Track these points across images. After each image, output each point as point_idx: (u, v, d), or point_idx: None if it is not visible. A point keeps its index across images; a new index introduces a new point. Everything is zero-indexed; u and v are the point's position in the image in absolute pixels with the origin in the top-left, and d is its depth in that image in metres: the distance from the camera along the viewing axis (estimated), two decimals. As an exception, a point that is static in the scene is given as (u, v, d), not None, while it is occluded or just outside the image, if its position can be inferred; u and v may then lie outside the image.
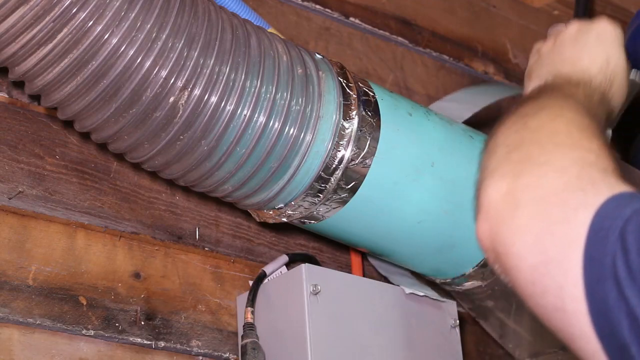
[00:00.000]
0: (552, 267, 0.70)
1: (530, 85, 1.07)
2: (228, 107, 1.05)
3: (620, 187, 0.71)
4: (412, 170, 1.18)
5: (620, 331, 0.66)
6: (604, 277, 0.67)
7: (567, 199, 0.71)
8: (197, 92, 1.03)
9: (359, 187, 1.14)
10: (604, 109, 0.97)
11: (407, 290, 1.27)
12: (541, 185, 0.74)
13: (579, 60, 1.03)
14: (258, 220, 1.21)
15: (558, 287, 0.70)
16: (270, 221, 1.18)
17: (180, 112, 1.03)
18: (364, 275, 1.34)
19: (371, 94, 1.17)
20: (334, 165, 1.12)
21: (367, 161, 1.14)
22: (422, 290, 1.29)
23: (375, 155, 1.14)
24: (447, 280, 1.32)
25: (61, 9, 0.97)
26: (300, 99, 1.11)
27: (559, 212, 0.71)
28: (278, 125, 1.08)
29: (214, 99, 1.04)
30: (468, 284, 1.32)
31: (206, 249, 1.27)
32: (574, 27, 1.09)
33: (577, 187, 0.72)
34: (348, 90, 1.14)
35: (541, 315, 0.73)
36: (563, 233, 0.70)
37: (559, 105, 0.86)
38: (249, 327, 1.20)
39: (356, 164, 1.13)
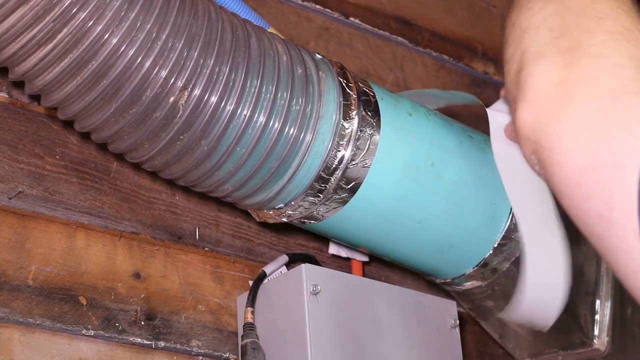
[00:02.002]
0: (604, 173, 0.66)
1: None
2: (228, 107, 1.05)
3: None
4: (412, 170, 1.18)
5: None
6: None
7: (628, 105, 0.66)
8: (197, 92, 1.03)
9: (359, 187, 1.14)
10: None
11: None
12: (598, 82, 0.69)
13: None
14: (258, 220, 1.21)
15: (607, 194, 0.66)
16: (270, 221, 1.18)
17: (180, 112, 1.03)
18: (364, 275, 1.34)
19: (371, 94, 1.17)
20: (334, 165, 1.12)
21: (367, 161, 1.14)
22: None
23: (375, 155, 1.14)
24: (447, 280, 1.32)
25: (61, 9, 0.97)
26: (300, 99, 1.11)
27: (619, 117, 0.66)
28: (278, 125, 1.08)
29: (214, 99, 1.04)
30: (468, 284, 1.32)
31: (206, 249, 1.27)
32: None
33: (637, 92, 0.67)
34: (348, 90, 1.14)
35: (579, 218, 0.69)
36: (622, 140, 0.66)
37: None
38: (249, 327, 1.20)
39: (356, 164, 1.13)
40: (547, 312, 1.16)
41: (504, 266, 1.29)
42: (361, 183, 1.14)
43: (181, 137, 1.05)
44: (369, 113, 1.15)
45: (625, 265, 0.65)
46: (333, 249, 1.34)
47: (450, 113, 1.33)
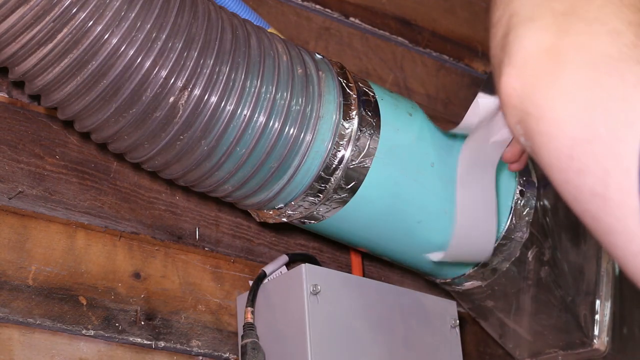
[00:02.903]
0: (598, 145, 0.61)
1: None
2: (228, 107, 1.05)
3: None
4: (412, 170, 1.18)
5: None
6: None
7: (624, 72, 0.61)
8: (197, 92, 1.03)
9: (359, 187, 1.14)
10: None
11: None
12: (592, 47, 0.64)
13: None
14: (258, 220, 1.21)
15: (603, 170, 0.61)
16: (270, 221, 1.18)
17: (180, 112, 1.03)
18: (364, 275, 1.34)
19: (371, 94, 1.17)
20: (334, 165, 1.12)
21: (367, 161, 1.14)
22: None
23: (375, 155, 1.14)
24: (447, 280, 1.32)
25: (61, 9, 0.97)
26: (300, 99, 1.11)
27: (615, 85, 0.61)
28: (278, 125, 1.08)
29: (214, 99, 1.04)
30: (468, 284, 1.32)
31: (206, 249, 1.27)
32: None
33: (633, 59, 0.62)
34: (348, 90, 1.14)
35: (571, 194, 0.63)
36: (619, 111, 0.60)
37: None
38: (249, 327, 1.20)
39: (356, 164, 1.13)
40: (481, 244, 1.19)
41: (504, 266, 1.29)
42: (361, 183, 1.14)
43: (181, 137, 1.05)
44: (369, 113, 1.15)
45: (624, 247, 0.60)
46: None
47: (451, 114, 1.33)
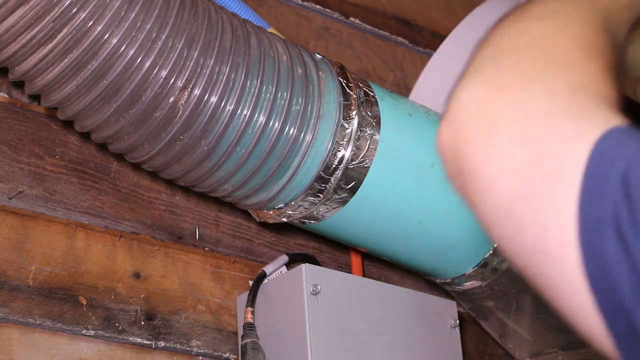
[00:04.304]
0: (535, 203, 0.60)
1: None
2: (228, 107, 1.05)
3: (615, 120, 0.61)
4: (412, 171, 1.18)
5: (620, 291, 0.57)
6: (603, 226, 0.57)
7: (557, 127, 0.62)
8: (197, 92, 1.03)
9: (359, 187, 1.14)
10: (632, 10, 0.79)
11: None
12: (527, 104, 0.63)
13: None
14: (258, 220, 1.21)
15: (542, 227, 0.60)
16: (270, 221, 1.18)
17: (180, 112, 1.03)
18: (364, 275, 1.34)
19: (371, 94, 1.17)
20: (334, 165, 1.12)
21: (367, 161, 1.14)
22: None
23: (375, 155, 1.14)
24: (447, 280, 1.32)
25: (61, 9, 0.97)
26: (300, 99, 1.11)
27: (549, 141, 0.61)
28: (278, 125, 1.08)
29: (214, 99, 1.04)
30: (468, 284, 1.32)
31: (206, 249, 1.27)
32: None
33: (568, 114, 0.62)
34: (348, 90, 1.14)
35: (511, 250, 0.63)
36: (554, 167, 0.60)
37: (570, 13, 0.72)
38: (249, 327, 1.20)
39: (356, 164, 1.13)
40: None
41: (504, 266, 1.29)
42: (361, 183, 1.14)
43: (181, 137, 1.05)
44: (369, 113, 1.15)
45: (567, 300, 0.60)
46: None
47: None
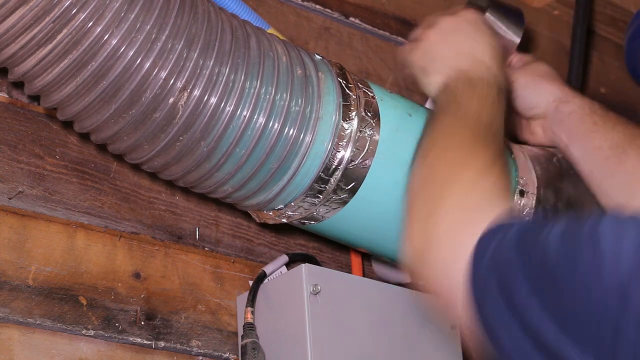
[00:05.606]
0: (449, 296, 0.86)
1: (431, 80, 1.13)
2: (228, 108, 1.05)
3: (497, 208, 0.87)
4: (412, 171, 1.18)
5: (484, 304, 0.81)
6: (483, 281, 0.82)
7: (455, 237, 0.88)
8: (196, 93, 1.03)
9: (358, 187, 1.14)
10: (502, 96, 1.08)
11: None
12: (442, 223, 0.90)
13: (472, 52, 1.12)
14: (258, 221, 1.21)
15: (454, 308, 0.86)
16: (270, 222, 1.18)
17: (180, 113, 1.03)
18: (364, 275, 1.34)
19: (371, 94, 1.17)
20: (333, 166, 1.12)
21: (366, 162, 1.14)
22: None
23: (375, 155, 1.14)
24: (447, 280, 1.32)
25: (61, 10, 0.97)
26: (299, 100, 1.11)
27: (451, 250, 0.87)
28: (277, 126, 1.08)
29: (213, 100, 1.04)
30: (468, 284, 1.31)
31: (206, 249, 1.27)
32: (448, 20, 1.17)
33: (464, 221, 0.88)
34: (348, 91, 1.14)
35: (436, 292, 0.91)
36: (458, 268, 0.84)
37: (450, 130, 1.01)
38: (249, 327, 1.20)
39: (356, 164, 1.13)
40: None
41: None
42: (361, 184, 1.14)
43: (181, 138, 1.05)
44: (369, 113, 1.14)
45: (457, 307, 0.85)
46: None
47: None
